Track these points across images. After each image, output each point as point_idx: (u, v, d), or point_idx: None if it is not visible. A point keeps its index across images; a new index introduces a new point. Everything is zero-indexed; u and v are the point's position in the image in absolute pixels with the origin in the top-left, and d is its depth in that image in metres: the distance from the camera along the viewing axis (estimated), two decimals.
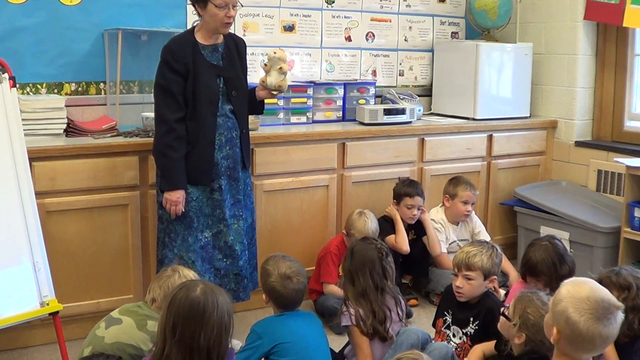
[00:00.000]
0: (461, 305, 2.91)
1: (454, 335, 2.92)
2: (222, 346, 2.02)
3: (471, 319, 2.86)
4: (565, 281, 2.04)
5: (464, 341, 2.88)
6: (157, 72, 3.04)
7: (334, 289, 3.53)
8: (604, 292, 1.97)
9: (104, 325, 2.46)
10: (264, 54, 4.05)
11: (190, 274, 2.54)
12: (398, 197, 3.83)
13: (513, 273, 3.87)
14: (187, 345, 1.97)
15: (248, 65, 3.31)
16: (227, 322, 2.03)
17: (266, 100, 3.35)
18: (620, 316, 1.94)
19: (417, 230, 3.87)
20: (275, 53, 3.19)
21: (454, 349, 2.88)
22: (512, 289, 3.21)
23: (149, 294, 2.55)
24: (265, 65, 3.22)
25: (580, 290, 1.95)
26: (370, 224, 3.60)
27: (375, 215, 3.72)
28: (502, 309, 2.52)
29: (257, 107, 3.33)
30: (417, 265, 3.87)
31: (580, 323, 1.90)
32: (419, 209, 3.82)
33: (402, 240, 3.73)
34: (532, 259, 2.95)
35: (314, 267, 3.69)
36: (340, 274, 3.58)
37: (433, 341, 2.97)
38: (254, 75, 3.45)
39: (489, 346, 2.68)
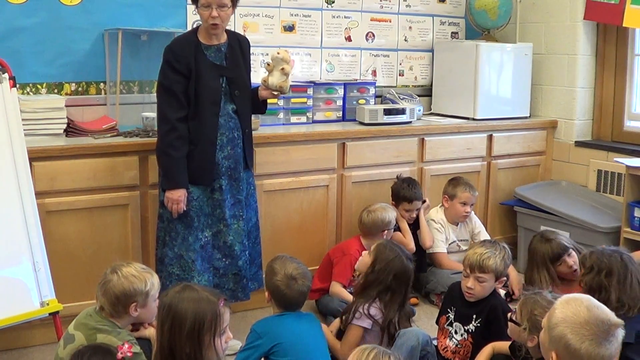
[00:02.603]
0: (465, 302, 2.91)
1: (456, 332, 2.92)
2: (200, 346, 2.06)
3: (474, 316, 2.86)
4: (558, 301, 1.97)
5: (464, 338, 2.88)
6: (159, 72, 3.05)
7: (341, 291, 3.53)
8: (602, 311, 1.89)
9: (62, 344, 2.38)
10: (264, 54, 4.05)
11: (131, 270, 2.40)
12: (396, 199, 3.85)
13: (513, 273, 3.86)
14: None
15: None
16: (194, 324, 2.05)
17: (267, 100, 3.35)
18: (620, 333, 1.87)
19: (412, 225, 3.88)
20: (278, 53, 3.19)
21: (454, 346, 2.88)
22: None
23: (97, 302, 2.43)
24: (268, 65, 3.22)
25: (577, 313, 1.87)
26: (380, 214, 3.62)
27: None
28: (509, 314, 2.52)
29: (260, 107, 3.33)
30: (416, 261, 3.87)
31: (582, 349, 1.82)
32: (417, 210, 3.83)
33: (410, 239, 3.77)
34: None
35: (314, 267, 3.68)
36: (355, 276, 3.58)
37: (434, 341, 2.98)
38: (253, 75, 3.45)
39: (502, 346, 2.67)
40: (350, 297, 3.47)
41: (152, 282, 2.43)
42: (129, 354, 2.04)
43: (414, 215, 3.84)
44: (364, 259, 3.03)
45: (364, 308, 2.86)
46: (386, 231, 3.63)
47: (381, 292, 2.89)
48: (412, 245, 3.75)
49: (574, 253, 3.28)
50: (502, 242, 3.04)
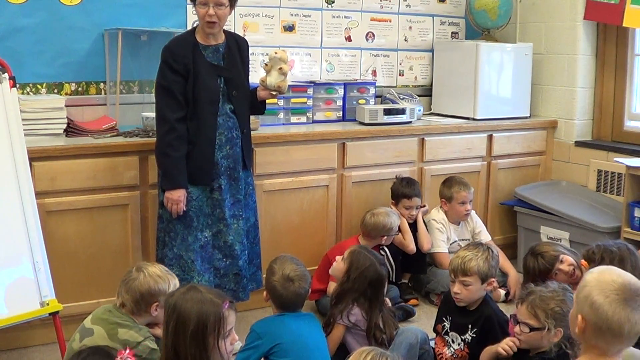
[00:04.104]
0: (460, 312, 2.89)
1: (452, 342, 2.90)
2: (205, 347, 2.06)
3: (469, 326, 2.84)
4: (591, 269, 1.92)
5: (461, 348, 2.86)
6: (157, 72, 3.05)
7: None
8: (632, 277, 1.83)
9: (78, 337, 2.41)
10: (264, 54, 4.05)
11: (156, 271, 2.47)
12: (396, 197, 3.85)
13: (512, 272, 3.87)
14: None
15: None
16: (197, 326, 2.05)
17: (266, 100, 3.35)
18: None
19: (412, 227, 3.87)
20: (276, 53, 3.19)
21: (450, 355, 2.87)
22: None
23: (119, 298, 2.48)
24: (266, 65, 3.22)
25: (605, 275, 1.82)
26: (383, 219, 3.61)
27: None
28: (516, 327, 2.50)
29: (258, 108, 3.33)
30: (414, 263, 3.87)
31: (605, 305, 1.75)
32: (417, 209, 3.83)
33: (410, 239, 3.77)
34: None
35: (314, 267, 3.68)
36: None
37: (433, 341, 2.98)
38: (253, 75, 3.46)
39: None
40: None
41: (175, 284, 2.50)
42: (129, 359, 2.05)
43: (414, 214, 3.84)
44: (338, 265, 3.04)
45: (343, 316, 2.89)
46: (386, 237, 3.63)
47: (357, 299, 2.91)
48: (412, 246, 3.76)
49: (567, 257, 3.12)
50: (492, 241, 3.02)
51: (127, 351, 2.06)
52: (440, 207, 3.99)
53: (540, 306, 2.42)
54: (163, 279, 2.46)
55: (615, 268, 1.89)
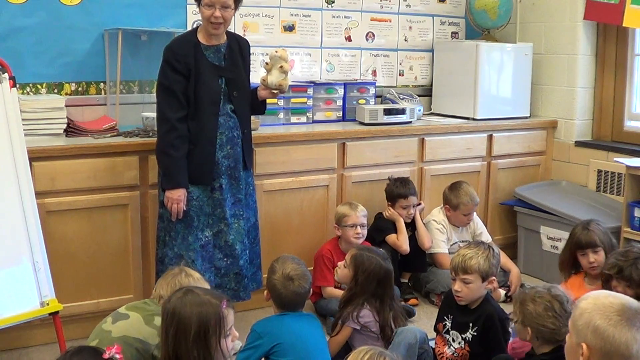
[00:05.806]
0: (461, 310, 2.89)
1: (453, 340, 2.90)
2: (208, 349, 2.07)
3: (470, 324, 2.84)
4: (582, 297, 1.84)
5: (461, 347, 2.86)
6: (159, 72, 3.05)
7: (334, 292, 3.53)
8: (627, 297, 1.79)
9: (110, 320, 2.45)
10: (264, 54, 4.05)
11: (195, 275, 2.54)
12: (392, 199, 3.84)
13: (514, 269, 3.87)
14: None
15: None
16: (199, 329, 2.06)
17: (267, 100, 3.35)
18: None
19: (411, 226, 3.88)
20: (276, 52, 3.20)
21: (450, 353, 2.87)
22: None
23: (156, 291, 2.54)
24: (267, 64, 3.22)
25: (602, 299, 1.76)
26: (339, 208, 3.65)
27: (374, 214, 3.74)
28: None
29: (259, 108, 3.33)
30: (414, 262, 3.87)
31: (610, 328, 1.68)
32: (414, 207, 3.83)
33: (404, 240, 3.75)
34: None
35: (313, 268, 3.68)
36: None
37: (433, 341, 2.98)
38: (254, 75, 3.46)
39: None
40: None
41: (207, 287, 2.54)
42: (117, 356, 2.05)
43: (412, 213, 3.83)
44: (343, 272, 3.03)
45: (353, 316, 2.88)
46: (340, 228, 3.60)
47: (367, 300, 2.91)
48: (405, 247, 3.75)
49: (601, 252, 3.18)
50: (493, 242, 3.02)
51: (115, 347, 2.07)
52: (442, 207, 3.99)
53: (519, 300, 2.49)
54: (200, 281, 2.51)
55: (607, 291, 1.86)
